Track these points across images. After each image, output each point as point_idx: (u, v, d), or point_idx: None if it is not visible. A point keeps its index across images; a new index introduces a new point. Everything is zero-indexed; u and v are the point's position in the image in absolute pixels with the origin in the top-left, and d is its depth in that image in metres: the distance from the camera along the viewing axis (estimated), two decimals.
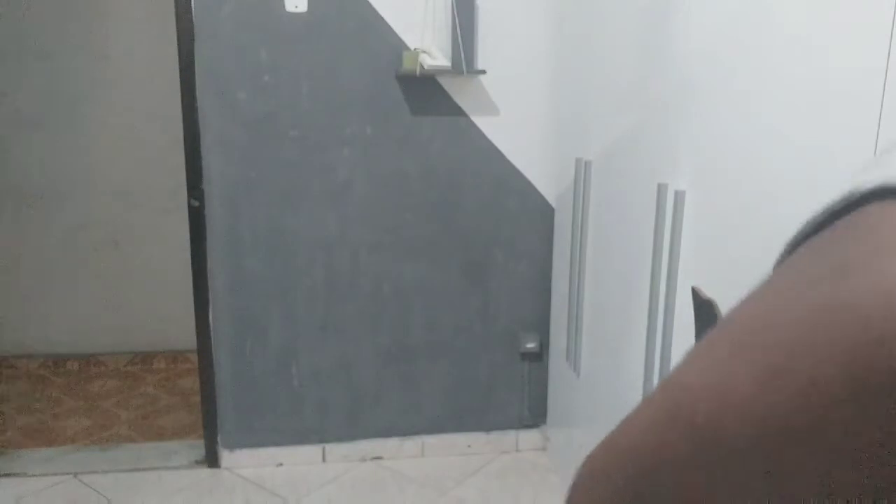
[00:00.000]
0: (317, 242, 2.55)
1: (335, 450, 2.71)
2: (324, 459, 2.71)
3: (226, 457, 2.67)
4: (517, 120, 2.57)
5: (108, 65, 3.41)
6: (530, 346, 2.75)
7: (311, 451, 2.70)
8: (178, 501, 2.47)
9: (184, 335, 3.36)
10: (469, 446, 2.80)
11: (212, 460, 2.66)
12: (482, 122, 2.56)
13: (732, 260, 1.33)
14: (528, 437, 2.83)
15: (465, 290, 2.68)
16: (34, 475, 2.60)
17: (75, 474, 2.61)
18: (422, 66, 2.38)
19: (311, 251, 2.56)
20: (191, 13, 2.33)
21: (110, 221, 3.53)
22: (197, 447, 2.73)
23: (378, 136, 2.51)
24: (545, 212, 2.66)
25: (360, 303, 2.62)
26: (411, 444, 2.76)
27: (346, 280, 2.60)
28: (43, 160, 3.44)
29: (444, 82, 2.51)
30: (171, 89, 2.51)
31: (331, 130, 2.49)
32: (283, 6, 2.37)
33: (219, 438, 2.65)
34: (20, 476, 2.60)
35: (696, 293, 1.28)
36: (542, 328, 2.75)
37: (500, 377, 2.78)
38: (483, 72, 2.47)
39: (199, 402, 2.66)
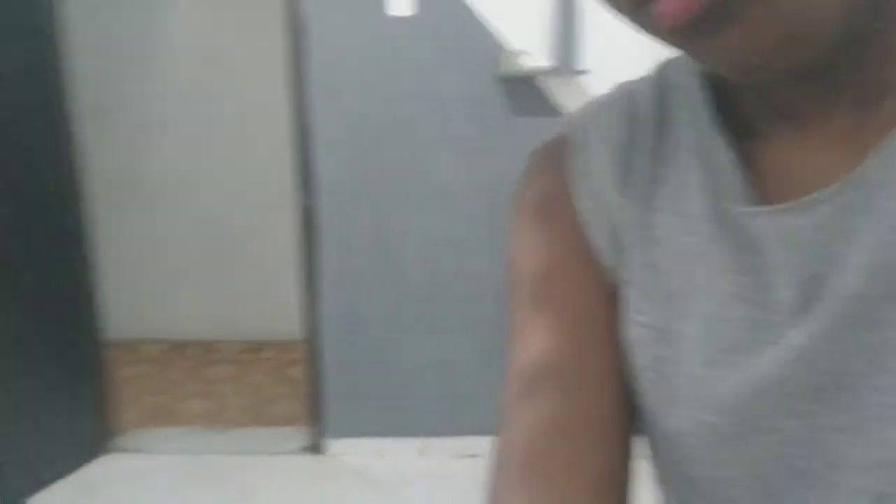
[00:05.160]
0: (420, 242, 2.61)
1: (434, 444, 2.76)
2: (423, 454, 2.77)
3: (330, 445, 2.77)
4: None
5: (222, 69, 3.61)
6: None
7: (411, 444, 2.76)
8: (286, 486, 2.59)
9: (292, 326, 3.52)
10: None
11: (317, 448, 2.78)
12: None
13: None
14: None
15: None
16: (156, 453, 2.80)
17: (193, 454, 2.80)
18: (522, 68, 2.38)
19: (415, 251, 2.61)
20: (301, 16, 2.43)
21: (229, 216, 3.74)
22: (303, 435, 2.85)
23: (478, 138, 2.53)
24: None
25: (461, 302, 2.66)
26: None
27: (448, 280, 2.64)
28: (168, 159, 3.69)
29: (545, 84, 2.50)
30: (284, 91, 2.64)
31: (433, 132, 2.53)
32: (387, 10, 2.43)
33: (324, 427, 2.77)
34: (144, 453, 2.80)
35: None
36: None
37: None
38: (585, 72, 2.43)
39: (306, 391, 2.78)
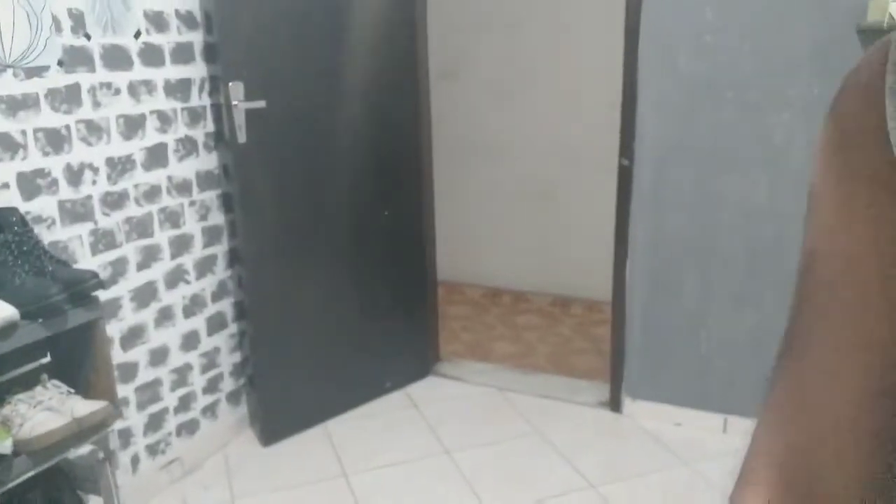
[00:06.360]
0: (742, 209, 2.47)
1: (737, 423, 2.64)
2: (724, 430, 2.66)
3: (627, 404, 2.81)
4: None
5: (564, 34, 3.73)
6: None
7: (711, 419, 2.68)
8: (580, 434, 2.70)
9: (601, 287, 3.59)
10: None
11: (614, 405, 2.83)
12: None
13: None
14: None
15: None
16: (470, 382, 3.12)
17: (500, 389, 3.05)
18: (891, 18, 2.08)
19: (735, 218, 2.49)
20: None
21: (549, 176, 3.91)
22: (601, 389, 2.93)
23: (826, 97, 2.28)
24: None
25: (781, 277, 2.47)
26: None
27: (769, 251, 2.47)
28: (498, 121, 3.97)
29: None
30: (617, 54, 2.65)
31: (771, 92, 2.35)
32: None
33: (623, 386, 2.81)
34: (460, 381, 3.14)
35: None
36: None
37: None
38: None
39: (609, 349, 2.85)
